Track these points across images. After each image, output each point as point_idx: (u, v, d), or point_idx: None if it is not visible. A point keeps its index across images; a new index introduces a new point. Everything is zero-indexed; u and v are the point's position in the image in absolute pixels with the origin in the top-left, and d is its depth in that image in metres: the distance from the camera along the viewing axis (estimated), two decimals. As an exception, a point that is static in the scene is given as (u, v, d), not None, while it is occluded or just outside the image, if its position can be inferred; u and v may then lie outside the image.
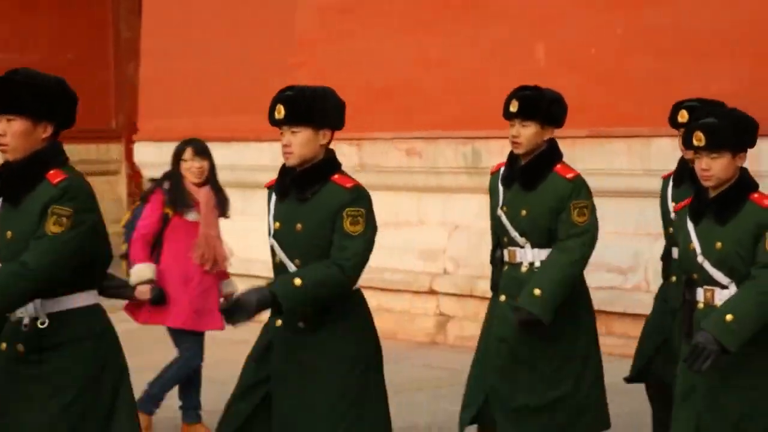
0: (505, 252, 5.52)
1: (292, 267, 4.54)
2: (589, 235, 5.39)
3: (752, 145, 4.60)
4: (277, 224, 4.61)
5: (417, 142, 10.05)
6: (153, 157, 12.40)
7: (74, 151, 16.46)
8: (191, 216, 6.75)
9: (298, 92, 4.56)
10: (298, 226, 4.53)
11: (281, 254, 4.58)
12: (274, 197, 4.67)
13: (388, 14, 10.46)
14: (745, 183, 4.56)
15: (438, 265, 9.82)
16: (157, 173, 13.42)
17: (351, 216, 4.47)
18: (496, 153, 9.58)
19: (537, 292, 5.26)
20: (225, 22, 11.79)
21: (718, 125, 4.50)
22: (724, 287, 4.49)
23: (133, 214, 6.90)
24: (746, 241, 4.46)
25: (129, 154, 14.50)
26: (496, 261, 5.60)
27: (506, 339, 5.41)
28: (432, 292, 9.72)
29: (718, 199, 4.53)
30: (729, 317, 4.33)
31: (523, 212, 5.43)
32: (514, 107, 5.41)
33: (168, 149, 12.03)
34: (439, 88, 9.96)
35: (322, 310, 4.49)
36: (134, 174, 15.02)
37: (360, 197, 4.52)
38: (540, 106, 5.40)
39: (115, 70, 16.41)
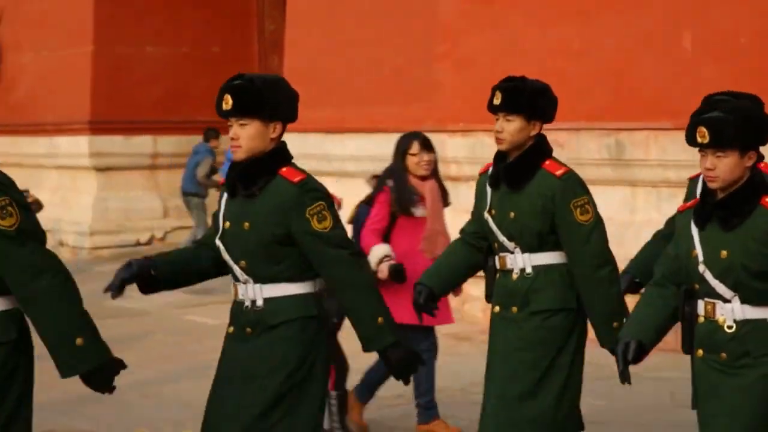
0: (496, 259, 5.06)
1: (237, 269, 4.27)
2: (596, 233, 4.91)
3: (765, 143, 4.13)
4: (227, 224, 4.30)
5: (560, 133, 9.94)
6: (297, 149, 12.52)
7: (220, 142, 16.78)
8: (418, 212, 6.64)
9: (248, 82, 4.23)
10: (246, 224, 4.23)
11: (226, 256, 4.28)
12: (225, 195, 4.37)
13: (532, 4, 10.38)
14: (756, 185, 4.08)
15: (580, 258, 9.72)
16: (301, 165, 13.54)
17: (315, 215, 4.18)
18: (640, 145, 9.44)
19: (615, 324, 4.84)
20: (368, 13, 11.85)
21: (723, 120, 4.03)
22: (726, 301, 4.07)
23: (357, 211, 6.79)
24: (755, 251, 4.01)
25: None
26: (489, 269, 5.14)
27: (503, 352, 5.00)
28: (574, 285, 9.62)
29: (725, 202, 4.08)
30: None
31: (511, 215, 4.97)
32: (497, 100, 4.99)
33: (311, 140, 12.24)
34: (582, 79, 9.84)
35: (267, 313, 4.24)
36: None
37: (311, 190, 4.22)
38: (524, 98, 4.98)
39: (260, 63, 16.63)
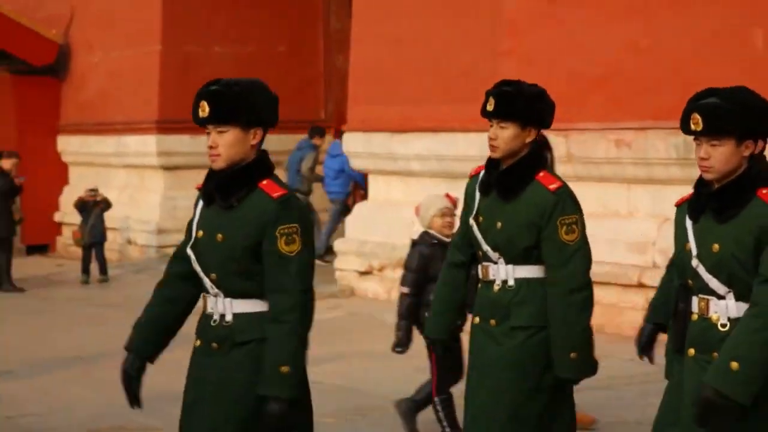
0: (479, 268, 4.84)
1: (207, 281, 4.08)
2: (580, 254, 4.66)
3: (766, 132, 3.91)
4: (200, 233, 4.10)
5: (627, 132, 9.85)
6: (361, 147, 12.55)
7: (285, 141, 16.91)
8: None
9: (225, 87, 4.02)
10: (219, 236, 4.03)
11: (197, 266, 4.09)
12: (201, 203, 4.17)
13: (597, 1, 10.29)
14: (753, 176, 3.85)
15: (647, 258, 9.62)
16: (366, 163, 13.58)
17: (285, 235, 3.94)
18: (709, 143, 9.32)
19: (573, 355, 4.62)
20: (434, 11, 11.82)
21: (719, 106, 3.83)
22: (721, 297, 3.86)
23: None
24: (747, 244, 3.78)
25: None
26: (471, 278, 4.91)
27: (479, 367, 4.77)
28: (640, 285, 9.53)
29: (719, 193, 3.87)
30: (735, 365, 3.68)
31: (499, 224, 4.72)
32: (490, 106, 4.72)
33: (377, 139, 12.24)
34: (649, 77, 9.73)
35: (236, 329, 4.03)
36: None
37: (289, 209, 3.99)
38: (518, 104, 4.71)
39: (325, 61, 16.68)
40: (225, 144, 4.01)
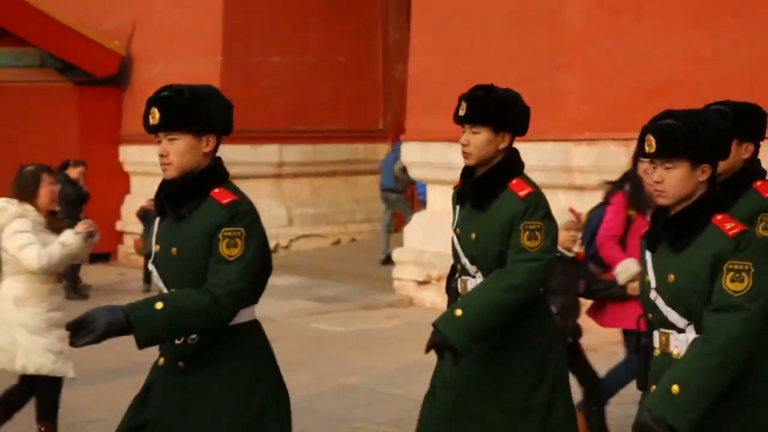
0: (458, 282, 4.66)
1: None
2: (538, 264, 4.41)
3: (722, 156, 3.71)
4: (157, 247, 3.93)
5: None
6: (419, 157, 12.57)
7: (342, 151, 16.97)
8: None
9: (175, 93, 3.85)
10: (173, 249, 3.85)
11: (158, 281, 3.92)
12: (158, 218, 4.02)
13: (660, 10, 10.22)
14: (709, 201, 3.65)
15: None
16: (423, 173, 13.59)
17: (227, 237, 3.75)
18: (771, 154, 9.23)
19: (458, 312, 4.36)
20: (493, 21, 11.81)
21: (672, 128, 3.62)
22: (681, 330, 3.63)
23: (590, 216, 6.71)
24: (703, 277, 3.56)
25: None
26: (451, 291, 4.72)
27: (453, 385, 4.56)
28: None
29: (674, 220, 3.66)
30: (675, 389, 3.47)
31: (473, 235, 4.55)
32: (462, 110, 4.59)
33: (434, 149, 12.24)
34: (711, 88, 9.64)
35: (203, 347, 3.84)
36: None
37: (239, 214, 3.81)
38: (490, 108, 4.54)
39: (384, 71, 16.72)
40: (176, 152, 3.85)
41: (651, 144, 3.66)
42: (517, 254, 4.42)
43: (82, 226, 6.41)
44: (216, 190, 3.86)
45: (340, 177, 16.72)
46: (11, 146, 15.48)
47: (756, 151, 4.95)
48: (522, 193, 4.49)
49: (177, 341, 3.87)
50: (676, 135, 3.62)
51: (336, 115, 16.38)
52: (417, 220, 12.97)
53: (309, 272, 14.32)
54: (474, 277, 4.56)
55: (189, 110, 3.84)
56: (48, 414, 6.46)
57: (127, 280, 15.25)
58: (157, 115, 3.83)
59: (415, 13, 13.08)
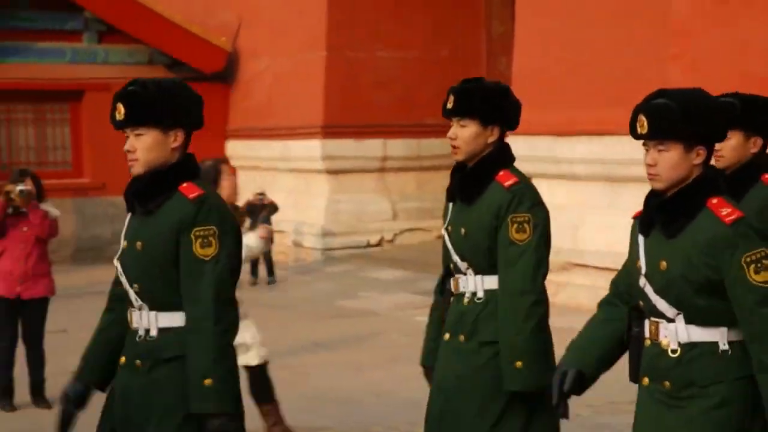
0: (451, 281, 4.55)
1: (131, 293, 3.81)
2: (529, 255, 4.31)
3: (719, 138, 3.53)
4: (125, 243, 3.86)
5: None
6: (526, 151, 12.51)
7: (447, 146, 17.01)
8: None
9: (141, 87, 3.77)
10: (138, 244, 3.78)
11: (122, 278, 3.85)
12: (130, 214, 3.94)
13: (766, 2, 10.06)
14: (704, 185, 3.44)
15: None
16: (530, 167, 13.56)
17: (200, 237, 3.69)
18: None
19: (519, 364, 4.26)
20: (598, 13, 11.72)
21: (665, 108, 3.42)
22: (670, 320, 3.45)
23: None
24: (696, 264, 3.38)
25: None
26: (445, 293, 4.62)
27: (445, 389, 4.46)
28: None
29: (666, 204, 3.47)
30: None
31: (462, 231, 4.43)
32: (449, 103, 4.44)
33: (540, 142, 12.18)
34: (823, 78, 9.46)
35: (159, 347, 3.76)
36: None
37: (207, 210, 3.72)
38: (476, 100, 4.40)
39: (488, 65, 16.67)
40: (143, 147, 3.77)
41: (643, 125, 3.47)
42: (507, 250, 4.34)
43: (263, 231, 6.83)
44: (184, 185, 3.77)
45: (445, 171, 16.65)
46: (123, 142, 15.78)
47: (764, 145, 4.84)
48: (507, 183, 4.38)
49: (138, 339, 3.83)
50: (669, 115, 3.43)
51: (440, 109, 16.37)
52: (521, 213, 12.92)
53: (413, 266, 14.35)
54: (465, 274, 4.47)
55: (154, 105, 3.76)
56: (266, 396, 6.72)
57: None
58: (123, 111, 3.77)
59: (519, 5, 13.03)
